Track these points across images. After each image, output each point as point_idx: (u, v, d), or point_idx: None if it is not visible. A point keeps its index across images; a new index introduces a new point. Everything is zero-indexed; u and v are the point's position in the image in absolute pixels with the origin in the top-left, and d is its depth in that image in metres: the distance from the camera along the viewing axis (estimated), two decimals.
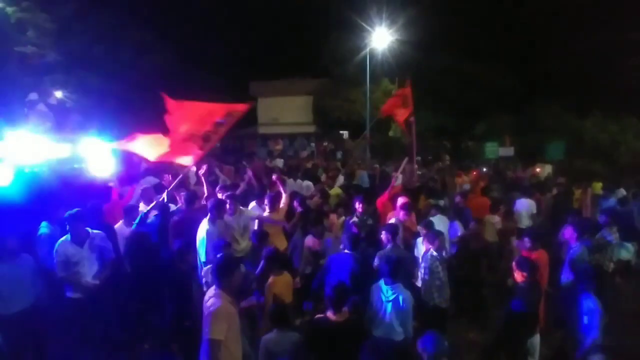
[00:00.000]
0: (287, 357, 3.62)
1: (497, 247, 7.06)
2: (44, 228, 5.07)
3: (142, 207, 6.32)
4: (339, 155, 20.53)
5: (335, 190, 8.94)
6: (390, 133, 25.17)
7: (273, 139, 24.92)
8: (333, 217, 6.80)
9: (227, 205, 5.80)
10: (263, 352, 3.70)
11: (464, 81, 25.50)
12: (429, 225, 5.53)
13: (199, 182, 7.44)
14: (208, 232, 5.28)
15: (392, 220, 6.18)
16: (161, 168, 10.12)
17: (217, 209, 5.43)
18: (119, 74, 19.21)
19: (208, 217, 5.41)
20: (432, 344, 2.98)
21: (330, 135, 26.16)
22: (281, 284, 4.54)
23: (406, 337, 4.03)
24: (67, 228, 4.55)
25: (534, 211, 8.31)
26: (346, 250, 4.91)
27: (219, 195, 6.43)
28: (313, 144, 23.84)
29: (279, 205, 6.35)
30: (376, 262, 5.07)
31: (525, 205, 8.32)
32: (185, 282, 4.38)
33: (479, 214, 7.60)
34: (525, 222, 8.20)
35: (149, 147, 5.28)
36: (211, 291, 3.39)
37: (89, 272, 4.58)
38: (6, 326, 4.10)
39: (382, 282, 4.19)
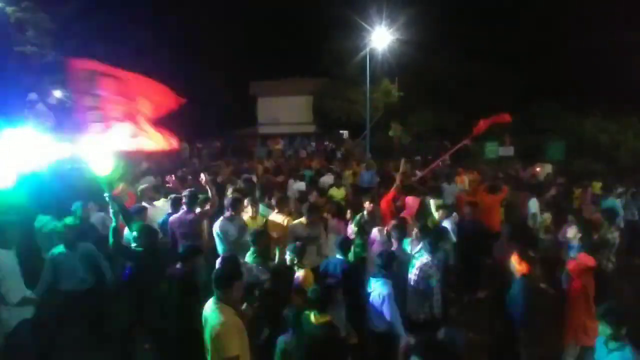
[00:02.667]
0: (303, 358, 3.57)
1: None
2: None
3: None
4: (339, 155, 20.52)
5: (340, 193, 8.92)
6: (390, 133, 25.18)
7: (273, 138, 24.94)
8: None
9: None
10: (279, 353, 3.65)
11: (464, 81, 25.50)
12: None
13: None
14: (224, 230, 5.44)
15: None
16: (162, 168, 10.13)
17: (234, 207, 5.61)
18: None
19: (225, 214, 5.61)
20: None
21: (330, 135, 26.17)
22: (309, 279, 4.50)
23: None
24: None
25: (536, 210, 8.32)
26: (338, 256, 4.84)
27: None
28: (313, 144, 23.85)
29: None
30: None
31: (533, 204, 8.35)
32: (189, 282, 4.36)
33: (490, 212, 7.59)
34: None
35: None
36: (211, 304, 3.28)
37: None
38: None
39: (372, 275, 4.49)
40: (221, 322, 3.10)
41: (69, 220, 5.17)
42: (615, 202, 9.28)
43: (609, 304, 3.42)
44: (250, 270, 4.62)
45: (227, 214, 5.64)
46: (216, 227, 5.57)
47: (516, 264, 4.34)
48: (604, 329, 3.27)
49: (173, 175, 7.32)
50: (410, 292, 4.74)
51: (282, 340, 3.67)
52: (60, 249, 4.90)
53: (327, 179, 10.56)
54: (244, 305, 3.63)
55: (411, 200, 6.95)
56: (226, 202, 5.79)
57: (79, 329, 5.00)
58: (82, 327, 4.98)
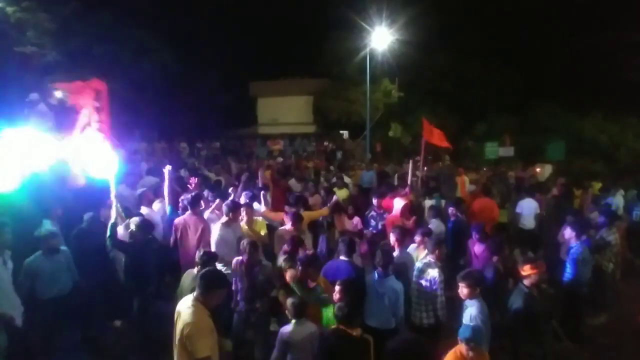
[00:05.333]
0: (306, 348, 3.68)
1: None
2: (47, 225, 5.30)
3: (144, 211, 6.33)
4: (338, 155, 20.52)
5: (344, 193, 8.91)
6: (390, 133, 25.19)
7: (273, 139, 24.96)
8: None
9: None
10: (281, 344, 3.76)
11: (464, 81, 25.51)
12: (429, 234, 5.34)
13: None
14: (223, 236, 5.33)
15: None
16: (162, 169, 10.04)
17: (234, 212, 5.49)
18: (119, 74, 19.20)
19: (223, 220, 5.47)
20: (469, 331, 3.42)
21: (330, 135, 26.15)
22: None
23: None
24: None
25: (538, 211, 8.32)
26: (342, 257, 4.74)
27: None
28: (314, 144, 23.85)
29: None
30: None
31: (529, 206, 8.33)
32: None
33: (483, 215, 7.55)
34: (530, 223, 8.23)
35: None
36: (188, 301, 3.26)
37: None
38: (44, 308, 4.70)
39: (375, 275, 4.47)
40: (194, 321, 3.11)
41: (48, 225, 5.22)
42: (615, 201, 9.31)
43: (469, 270, 4.26)
44: (265, 268, 4.71)
45: (225, 219, 5.50)
46: (215, 231, 5.46)
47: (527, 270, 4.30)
48: (462, 290, 4.03)
49: (194, 178, 7.36)
50: (414, 296, 4.72)
51: (284, 331, 3.79)
52: (39, 255, 4.78)
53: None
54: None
55: (398, 202, 6.92)
56: (225, 207, 5.63)
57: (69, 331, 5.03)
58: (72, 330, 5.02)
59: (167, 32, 23.78)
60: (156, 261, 5.22)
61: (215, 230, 5.48)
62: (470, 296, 4.00)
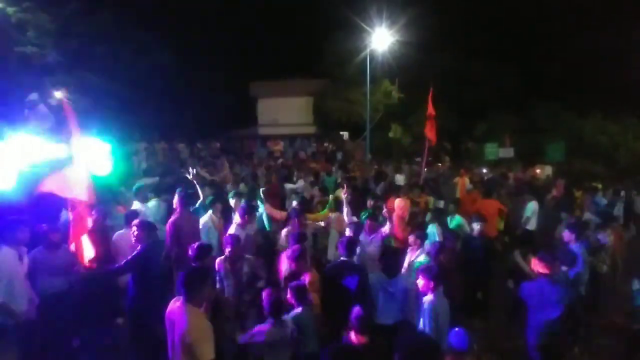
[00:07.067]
0: (285, 347, 3.62)
1: None
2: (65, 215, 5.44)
3: (137, 206, 6.35)
4: (339, 156, 20.49)
5: (338, 192, 8.92)
6: (390, 134, 25.17)
7: (273, 139, 24.95)
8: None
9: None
10: (258, 344, 3.66)
11: (464, 81, 25.49)
12: (423, 237, 5.33)
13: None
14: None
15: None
16: (163, 168, 10.13)
17: (249, 214, 5.55)
18: (119, 74, 19.22)
19: (238, 221, 5.50)
20: (458, 339, 3.18)
21: (331, 136, 26.13)
22: (315, 280, 4.45)
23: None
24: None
25: (532, 213, 8.34)
26: (342, 258, 4.67)
27: None
28: (314, 145, 23.82)
29: None
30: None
31: (532, 207, 8.35)
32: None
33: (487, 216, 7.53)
34: (533, 224, 8.24)
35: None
36: (180, 307, 3.19)
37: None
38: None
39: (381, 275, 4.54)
40: (193, 327, 3.07)
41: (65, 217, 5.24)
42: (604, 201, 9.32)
43: (428, 265, 4.35)
44: (249, 261, 4.75)
45: (241, 221, 5.49)
46: (230, 232, 5.45)
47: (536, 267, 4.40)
48: (420, 282, 4.10)
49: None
50: (411, 297, 4.67)
51: (262, 331, 3.66)
52: (40, 249, 4.78)
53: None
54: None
55: (401, 202, 6.90)
56: (240, 209, 5.62)
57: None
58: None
59: (167, 32, 23.78)
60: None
61: (232, 232, 5.46)
62: (425, 289, 4.04)
